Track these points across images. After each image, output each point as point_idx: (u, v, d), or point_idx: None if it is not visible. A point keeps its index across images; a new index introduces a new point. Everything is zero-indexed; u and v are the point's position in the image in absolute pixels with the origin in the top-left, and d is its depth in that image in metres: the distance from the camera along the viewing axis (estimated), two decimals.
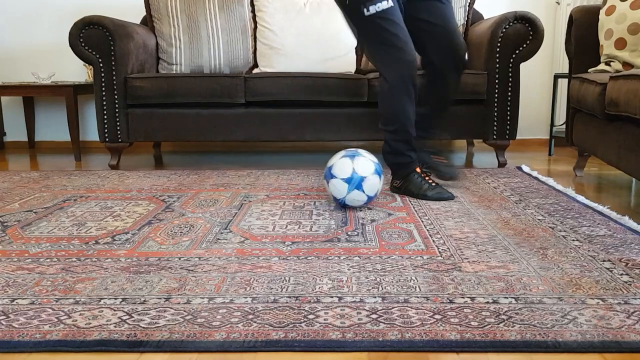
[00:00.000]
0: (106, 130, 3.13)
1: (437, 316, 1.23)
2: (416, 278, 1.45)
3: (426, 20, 2.32)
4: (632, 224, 1.89)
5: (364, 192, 2.10)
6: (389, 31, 2.19)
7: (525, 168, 2.91)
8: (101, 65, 3.07)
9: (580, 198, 2.25)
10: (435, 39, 2.35)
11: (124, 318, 1.24)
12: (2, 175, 2.95)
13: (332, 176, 2.11)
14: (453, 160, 2.50)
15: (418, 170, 2.35)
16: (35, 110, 4.16)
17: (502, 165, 3.10)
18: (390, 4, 2.17)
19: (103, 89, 3.09)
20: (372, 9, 2.15)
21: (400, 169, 2.36)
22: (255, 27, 3.56)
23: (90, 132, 4.10)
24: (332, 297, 1.34)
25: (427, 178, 2.34)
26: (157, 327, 1.20)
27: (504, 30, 2.96)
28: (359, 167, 2.10)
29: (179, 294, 1.36)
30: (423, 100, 2.42)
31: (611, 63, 2.68)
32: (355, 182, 2.08)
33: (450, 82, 2.44)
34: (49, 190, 2.55)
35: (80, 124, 3.90)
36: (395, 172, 2.39)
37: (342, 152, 2.17)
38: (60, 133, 4.13)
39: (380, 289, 1.38)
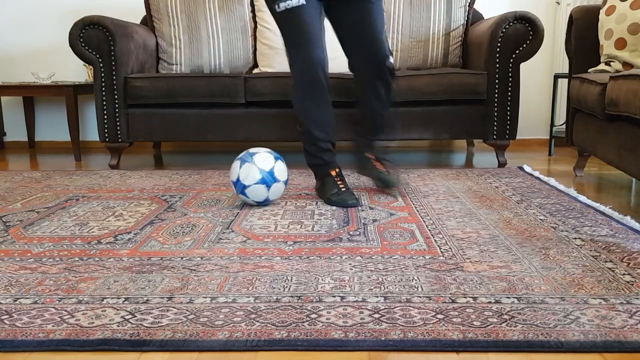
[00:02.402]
0: (106, 130, 3.13)
1: (439, 316, 1.23)
2: (418, 278, 1.45)
3: (349, 24, 2.30)
4: (634, 224, 1.89)
5: (280, 181, 2.18)
6: (295, 29, 2.18)
7: (527, 168, 2.91)
8: (101, 65, 3.07)
9: (582, 198, 2.26)
10: (356, 41, 2.32)
11: (127, 317, 1.24)
12: (4, 175, 2.95)
13: (245, 186, 2.14)
14: (396, 167, 2.42)
15: (333, 173, 2.31)
16: (35, 110, 4.16)
17: (502, 165, 3.10)
18: (302, 2, 2.14)
19: (103, 89, 3.09)
20: (282, 6, 2.16)
21: (315, 170, 2.36)
22: (255, 27, 3.56)
23: (90, 132, 4.10)
24: (334, 296, 1.34)
25: (339, 182, 2.29)
26: (160, 326, 1.20)
27: (504, 30, 2.97)
28: (261, 164, 2.14)
29: (181, 294, 1.37)
30: (356, 104, 2.45)
31: (611, 63, 2.69)
32: (269, 179, 2.14)
33: (374, 87, 2.37)
34: (51, 190, 2.55)
35: (80, 124, 3.90)
36: (314, 174, 2.39)
37: (236, 162, 2.19)
38: (60, 133, 4.13)
39: (383, 288, 1.38)
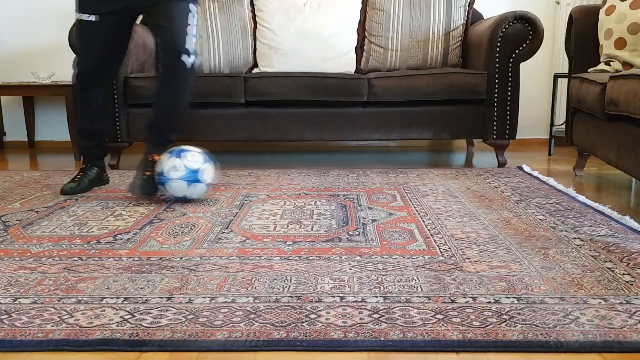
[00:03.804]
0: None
1: (439, 316, 1.23)
2: (418, 278, 1.45)
3: (157, 24, 2.44)
4: (634, 224, 1.89)
5: (202, 182, 2.24)
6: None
7: (526, 168, 2.91)
8: None
9: (582, 198, 2.25)
10: (158, 31, 2.45)
11: (126, 317, 1.24)
12: (3, 175, 2.95)
13: (168, 179, 2.21)
14: (143, 179, 2.35)
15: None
16: (35, 110, 4.15)
17: (502, 165, 3.10)
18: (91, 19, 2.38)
19: None
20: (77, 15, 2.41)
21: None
22: (255, 27, 3.56)
23: None
24: (334, 297, 1.34)
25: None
26: (160, 326, 1.20)
27: (504, 30, 2.97)
28: (189, 162, 2.21)
29: (181, 294, 1.37)
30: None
31: (611, 63, 2.68)
32: (193, 177, 2.21)
33: (164, 81, 2.42)
34: (51, 190, 2.55)
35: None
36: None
37: (167, 155, 2.26)
38: (60, 133, 4.13)
39: (382, 288, 1.38)
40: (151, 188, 2.31)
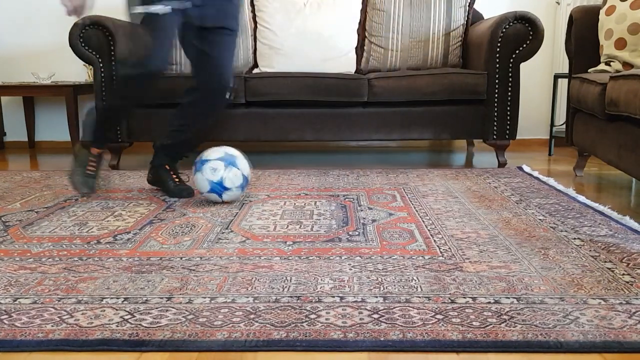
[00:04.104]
0: None
1: (438, 316, 1.23)
2: (418, 278, 1.45)
3: (201, 49, 2.35)
4: (633, 224, 1.89)
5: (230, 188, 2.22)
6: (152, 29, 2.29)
7: (526, 168, 2.91)
8: (101, 65, 3.07)
9: (581, 198, 2.25)
10: (202, 69, 2.38)
11: (126, 317, 1.24)
12: (3, 175, 2.95)
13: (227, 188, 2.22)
14: (86, 175, 2.40)
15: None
16: (35, 110, 4.16)
17: (502, 165, 3.10)
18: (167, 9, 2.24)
19: (103, 89, 3.09)
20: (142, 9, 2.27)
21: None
22: (255, 27, 3.56)
23: None
24: (333, 296, 1.34)
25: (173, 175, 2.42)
26: (159, 326, 1.20)
27: (504, 30, 2.96)
28: (208, 174, 2.20)
29: (180, 294, 1.37)
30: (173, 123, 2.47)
31: (611, 63, 2.68)
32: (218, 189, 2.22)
33: (204, 110, 2.42)
34: (50, 190, 2.55)
35: (81, 124, 3.88)
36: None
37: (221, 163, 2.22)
38: (60, 133, 4.13)
39: (382, 288, 1.38)
40: (95, 185, 2.39)
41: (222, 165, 2.18)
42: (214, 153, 2.22)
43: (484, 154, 3.69)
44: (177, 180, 2.43)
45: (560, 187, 2.46)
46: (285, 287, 1.40)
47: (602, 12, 2.76)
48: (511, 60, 3.00)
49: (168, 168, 2.44)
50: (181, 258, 1.63)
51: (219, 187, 2.19)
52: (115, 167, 3.19)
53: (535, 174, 2.77)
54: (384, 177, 2.77)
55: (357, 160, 3.46)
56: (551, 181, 2.57)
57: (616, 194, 2.52)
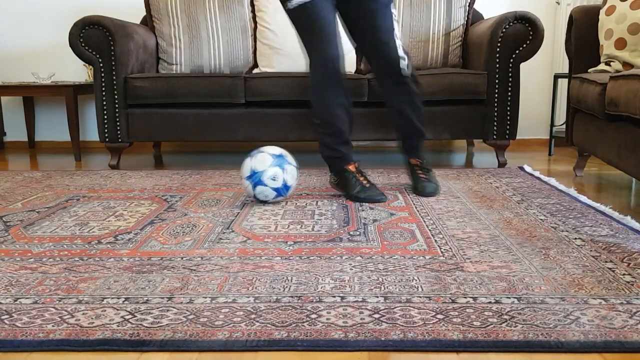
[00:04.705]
0: (106, 130, 3.13)
1: (439, 316, 1.23)
2: (418, 278, 1.45)
3: (357, 24, 2.31)
4: (635, 224, 1.89)
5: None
6: (309, 26, 2.21)
7: (528, 168, 2.91)
8: (101, 65, 3.07)
9: (583, 198, 2.25)
10: (367, 44, 2.33)
11: (127, 317, 1.24)
12: (4, 175, 2.95)
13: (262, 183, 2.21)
14: (434, 177, 2.43)
15: (352, 168, 2.32)
16: (35, 110, 4.16)
17: (502, 165, 3.10)
18: None
19: (103, 89, 3.09)
20: (295, 3, 2.17)
21: (331, 163, 2.35)
22: (255, 27, 3.56)
23: (90, 132, 4.10)
24: (334, 296, 1.34)
25: (361, 178, 2.31)
26: (160, 326, 1.20)
27: (504, 30, 2.97)
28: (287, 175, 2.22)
29: (181, 294, 1.37)
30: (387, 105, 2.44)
31: (611, 63, 2.69)
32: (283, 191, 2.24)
33: (393, 90, 2.36)
34: (52, 190, 2.55)
35: (80, 124, 3.89)
36: (329, 167, 2.38)
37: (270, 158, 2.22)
38: (60, 133, 4.13)
39: (383, 288, 1.38)
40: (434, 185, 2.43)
41: (279, 170, 2.19)
42: (260, 163, 2.20)
43: (484, 154, 3.69)
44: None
45: (561, 187, 2.46)
46: (286, 287, 1.40)
47: (602, 12, 2.76)
48: (511, 60, 3.00)
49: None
50: (182, 258, 1.63)
51: (284, 190, 2.22)
52: (115, 167, 3.19)
53: (537, 174, 2.77)
54: (385, 177, 2.77)
55: (357, 160, 3.46)
56: (553, 181, 2.57)
57: (616, 194, 2.52)
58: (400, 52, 2.29)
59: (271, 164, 2.19)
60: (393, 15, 2.30)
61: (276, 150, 2.25)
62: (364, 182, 2.30)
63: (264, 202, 2.25)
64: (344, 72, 2.25)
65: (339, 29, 2.27)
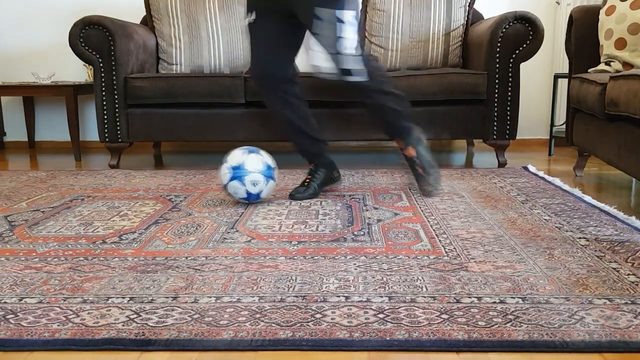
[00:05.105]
0: (106, 130, 3.13)
1: (444, 316, 1.24)
2: (423, 278, 1.45)
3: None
4: (639, 224, 1.89)
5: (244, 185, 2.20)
6: (250, 42, 2.33)
7: (532, 168, 2.91)
8: (101, 65, 3.07)
9: (587, 198, 2.26)
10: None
11: (132, 317, 1.24)
12: (9, 174, 2.95)
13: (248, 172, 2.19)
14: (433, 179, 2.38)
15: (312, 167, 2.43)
16: (35, 110, 4.15)
17: (502, 165, 3.10)
18: (251, 19, 2.25)
19: (103, 89, 3.09)
20: (245, 21, 2.31)
21: (304, 156, 2.48)
22: None
23: (90, 132, 4.10)
24: (339, 296, 1.34)
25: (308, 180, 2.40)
26: (165, 326, 1.20)
27: (504, 30, 2.97)
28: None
29: (186, 293, 1.37)
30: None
31: (611, 63, 2.69)
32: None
33: (361, 101, 2.39)
34: (56, 190, 2.55)
35: (80, 124, 3.89)
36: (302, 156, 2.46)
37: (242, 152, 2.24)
38: (60, 133, 4.13)
39: (387, 288, 1.38)
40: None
41: (263, 180, 2.19)
42: (253, 164, 2.19)
43: (484, 154, 3.69)
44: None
45: (566, 187, 2.46)
46: (291, 286, 1.40)
47: (602, 12, 2.76)
48: (511, 60, 3.00)
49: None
50: (186, 258, 1.63)
51: (254, 198, 2.22)
52: (115, 167, 3.19)
53: (541, 174, 2.77)
54: (389, 177, 2.78)
55: (358, 160, 3.47)
56: (557, 181, 2.57)
57: (616, 194, 2.52)
58: (348, 65, 2.19)
59: (261, 170, 2.18)
60: (342, 26, 2.14)
61: (272, 162, 2.25)
62: (307, 181, 2.40)
63: (229, 194, 2.24)
64: (288, 81, 2.36)
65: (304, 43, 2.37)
